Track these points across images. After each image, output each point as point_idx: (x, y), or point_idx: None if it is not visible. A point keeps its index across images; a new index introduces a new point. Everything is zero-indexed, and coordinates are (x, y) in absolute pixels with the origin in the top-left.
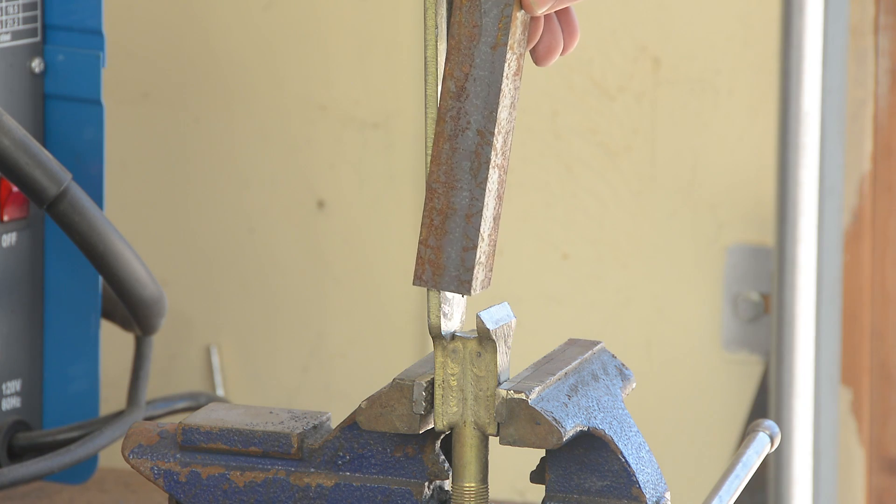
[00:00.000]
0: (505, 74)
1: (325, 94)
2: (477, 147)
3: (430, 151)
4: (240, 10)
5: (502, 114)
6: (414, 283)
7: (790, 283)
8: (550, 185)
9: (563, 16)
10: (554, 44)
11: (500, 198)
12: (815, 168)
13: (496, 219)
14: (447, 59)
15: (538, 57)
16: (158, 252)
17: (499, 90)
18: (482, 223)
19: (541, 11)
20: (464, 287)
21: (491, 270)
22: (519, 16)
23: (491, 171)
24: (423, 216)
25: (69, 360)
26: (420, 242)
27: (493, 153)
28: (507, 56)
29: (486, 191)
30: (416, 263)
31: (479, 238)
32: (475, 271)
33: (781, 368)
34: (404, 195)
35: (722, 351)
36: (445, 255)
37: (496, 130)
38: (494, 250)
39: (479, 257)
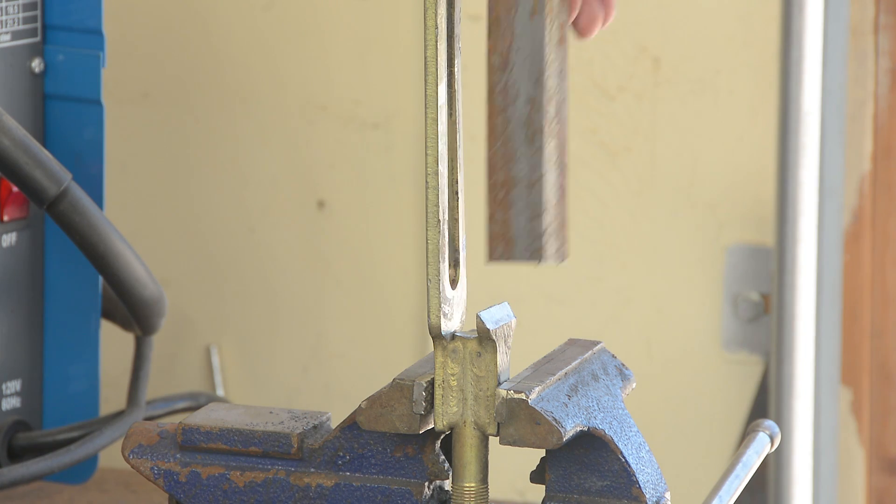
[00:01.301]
0: (546, 41)
1: (325, 94)
2: (529, 115)
3: (430, 151)
4: (240, 10)
5: (550, 81)
6: (490, 260)
7: (790, 283)
8: None
9: None
10: (594, 14)
11: (562, 167)
12: (815, 168)
13: (562, 189)
14: (488, 35)
15: (581, 28)
16: (158, 252)
17: (542, 56)
18: (545, 190)
19: None
20: (536, 255)
21: (565, 243)
22: None
23: (546, 138)
24: (487, 193)
25: (69, 360)
26: (488, 220)
27: (545, 120)
28: (546, 23)
29: (544, 158)
30: (489, 240)
31: (545, 205)
32: (545, 239)
33: (781, 368)
34: (404, 195)
35: (722, 351)
36: (514, 227)
37: (545, 98)
38: (566, 222)
39: (548, 225)
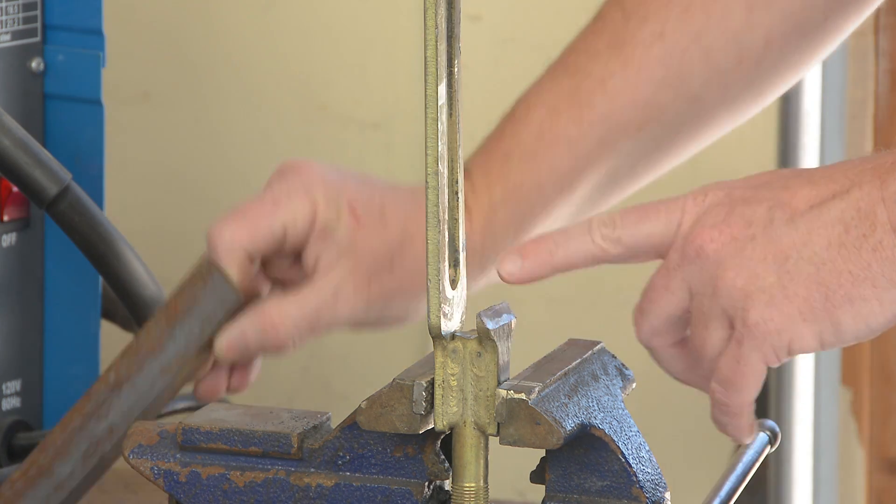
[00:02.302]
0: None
1: (325, 93)
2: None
3: (430, 151)
4: (240, 9)
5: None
6: None
7: None
8: None
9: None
10: (216, 384)
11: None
12: None
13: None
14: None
15: (200, 394)
16: (158, 252)
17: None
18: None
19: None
20: None
21: None
22: None
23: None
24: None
25: (69, 360)
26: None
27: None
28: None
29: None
30: None
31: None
32: None
33: (781, 368)
34: None
35: None
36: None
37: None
38: None
39: None
